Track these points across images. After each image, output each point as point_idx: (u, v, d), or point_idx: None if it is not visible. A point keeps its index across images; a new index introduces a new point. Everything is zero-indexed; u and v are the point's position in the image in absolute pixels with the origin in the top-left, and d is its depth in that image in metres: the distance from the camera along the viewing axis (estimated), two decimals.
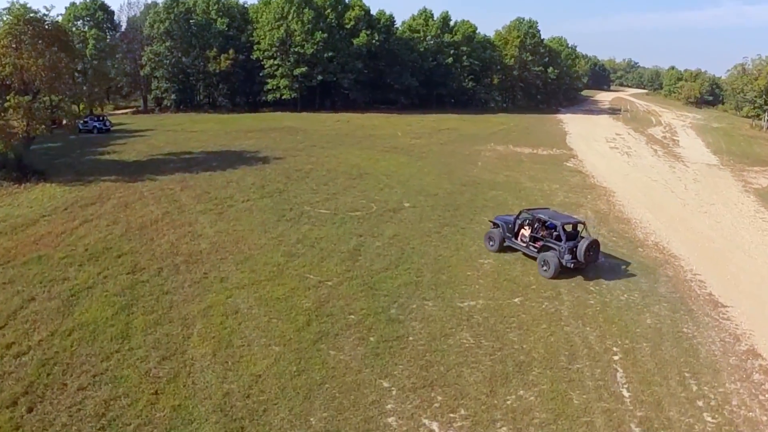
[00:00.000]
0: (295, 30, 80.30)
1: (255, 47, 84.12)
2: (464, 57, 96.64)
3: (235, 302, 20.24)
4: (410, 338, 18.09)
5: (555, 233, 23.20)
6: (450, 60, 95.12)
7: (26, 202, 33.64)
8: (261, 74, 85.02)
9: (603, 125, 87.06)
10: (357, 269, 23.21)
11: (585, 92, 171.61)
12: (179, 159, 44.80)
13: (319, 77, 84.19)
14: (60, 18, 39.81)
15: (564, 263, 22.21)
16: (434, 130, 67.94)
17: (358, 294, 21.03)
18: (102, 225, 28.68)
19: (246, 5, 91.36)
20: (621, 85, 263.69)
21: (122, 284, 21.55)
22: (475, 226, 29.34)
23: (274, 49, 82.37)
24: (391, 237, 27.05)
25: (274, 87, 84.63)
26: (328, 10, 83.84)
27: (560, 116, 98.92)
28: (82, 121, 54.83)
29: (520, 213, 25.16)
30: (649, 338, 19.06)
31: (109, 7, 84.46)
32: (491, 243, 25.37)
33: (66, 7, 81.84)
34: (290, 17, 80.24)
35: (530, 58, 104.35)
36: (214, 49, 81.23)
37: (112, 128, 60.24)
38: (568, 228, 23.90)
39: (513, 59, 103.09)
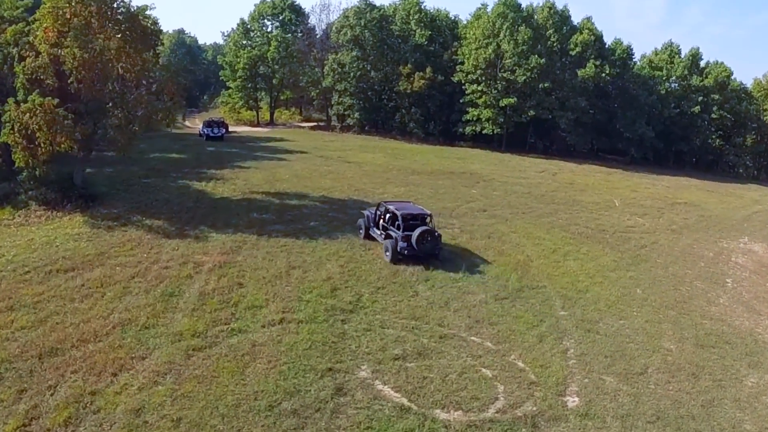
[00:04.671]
0: (507, 51, 64.59)
1: (458, 68, 69.82)
2: (714, 107, 73.59)
3: None
4: None
5: (397, 222, 24.20)
6: (696, 109, 72.59)
7: (8, 245, 23.10)
8: (461, 101, 70.47)
9: None
10: None
11: None
12: (279, 205, 31.92)
13: (531, 112, 67.51)
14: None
15: (399, 250, 23.33)
16: (666, 203, 47.57)
17: None
18: (3, 333, 16.06)
19: (456, 18, 77.60)
20: None
21: None
22: None
23: (479, 71, 67.46)
24: None
25: (475, 118, 69.47)
26: (550, 31, 66.70)
27: None
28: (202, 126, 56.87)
29: (380, 204, 26.23)
30: None
31: (301, 8, 75.92)
32: (360, 231, 26.72)
33: (255, 4, 74.75)
34: (502, 35, 64.66)
35: None
36: (409, 65, 68.43)
37: (223, 136, 57.15)
38: (411, 219, 24.49)
39: None
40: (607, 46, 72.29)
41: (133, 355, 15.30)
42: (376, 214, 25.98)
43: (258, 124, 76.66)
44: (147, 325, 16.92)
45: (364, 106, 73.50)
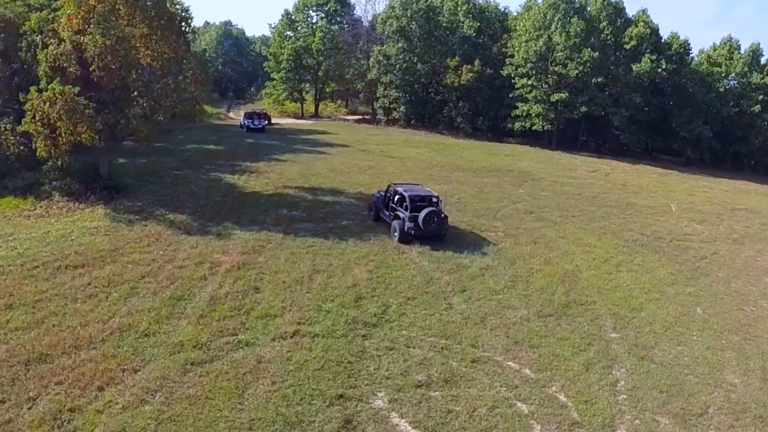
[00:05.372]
0: (558, 44, 61.57)
1: (507, 61, 67.05)
2: None
3: None
4: None
5: (405, 204, 24.97)
6: (757, 108, 67.36)
7: (23, 237, 22.51)
8: (510, 95, 67.70)
9: None
10: None
11: None
12: (311, 201, 30.35)
13: (583, 108, 64.27)
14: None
15: (406, 230, 24.06)
16: (725, 207, 44.02)
17: None
18: None
19: (506, 10, 74.83)
20: None
21: None
22: None
23: (529, 65, 64.59)
24: None
25: (524, 113, 66.62)
26: (603, 23, 63.23)
27: None
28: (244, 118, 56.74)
29: (389, 187, 26.78)
30: None
31: None
32: (371, 213, 27.80)
33: None
34: (553, 27, 61.66)
35: None
36: (456, 58, 66.03)
37: (264, 128, 56.22)
38: (419, 200, 25.08)
39: None
40: (663, 40, 68.19)
41: (125, 367, 13.80)
42: (386, 196, 26.73)
43: (302, 117, 75.47)
44: (147, 333, 15.43)
45: (410, 99, 71.47)
